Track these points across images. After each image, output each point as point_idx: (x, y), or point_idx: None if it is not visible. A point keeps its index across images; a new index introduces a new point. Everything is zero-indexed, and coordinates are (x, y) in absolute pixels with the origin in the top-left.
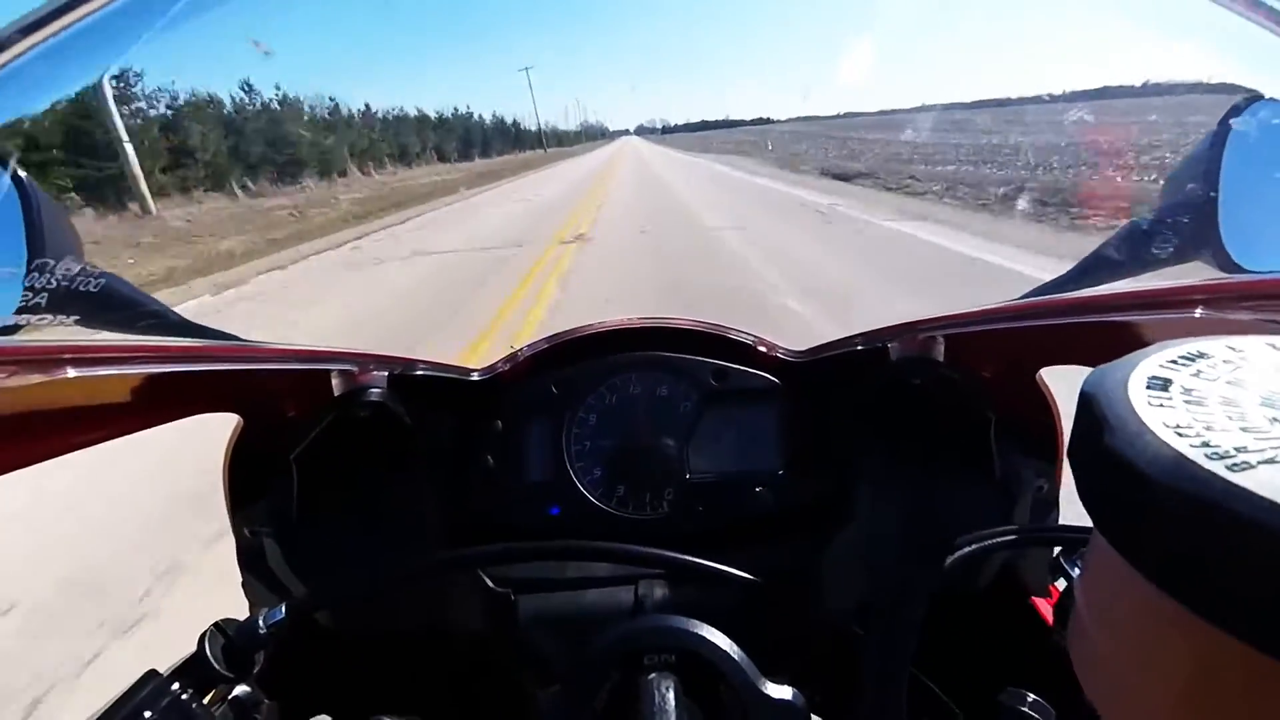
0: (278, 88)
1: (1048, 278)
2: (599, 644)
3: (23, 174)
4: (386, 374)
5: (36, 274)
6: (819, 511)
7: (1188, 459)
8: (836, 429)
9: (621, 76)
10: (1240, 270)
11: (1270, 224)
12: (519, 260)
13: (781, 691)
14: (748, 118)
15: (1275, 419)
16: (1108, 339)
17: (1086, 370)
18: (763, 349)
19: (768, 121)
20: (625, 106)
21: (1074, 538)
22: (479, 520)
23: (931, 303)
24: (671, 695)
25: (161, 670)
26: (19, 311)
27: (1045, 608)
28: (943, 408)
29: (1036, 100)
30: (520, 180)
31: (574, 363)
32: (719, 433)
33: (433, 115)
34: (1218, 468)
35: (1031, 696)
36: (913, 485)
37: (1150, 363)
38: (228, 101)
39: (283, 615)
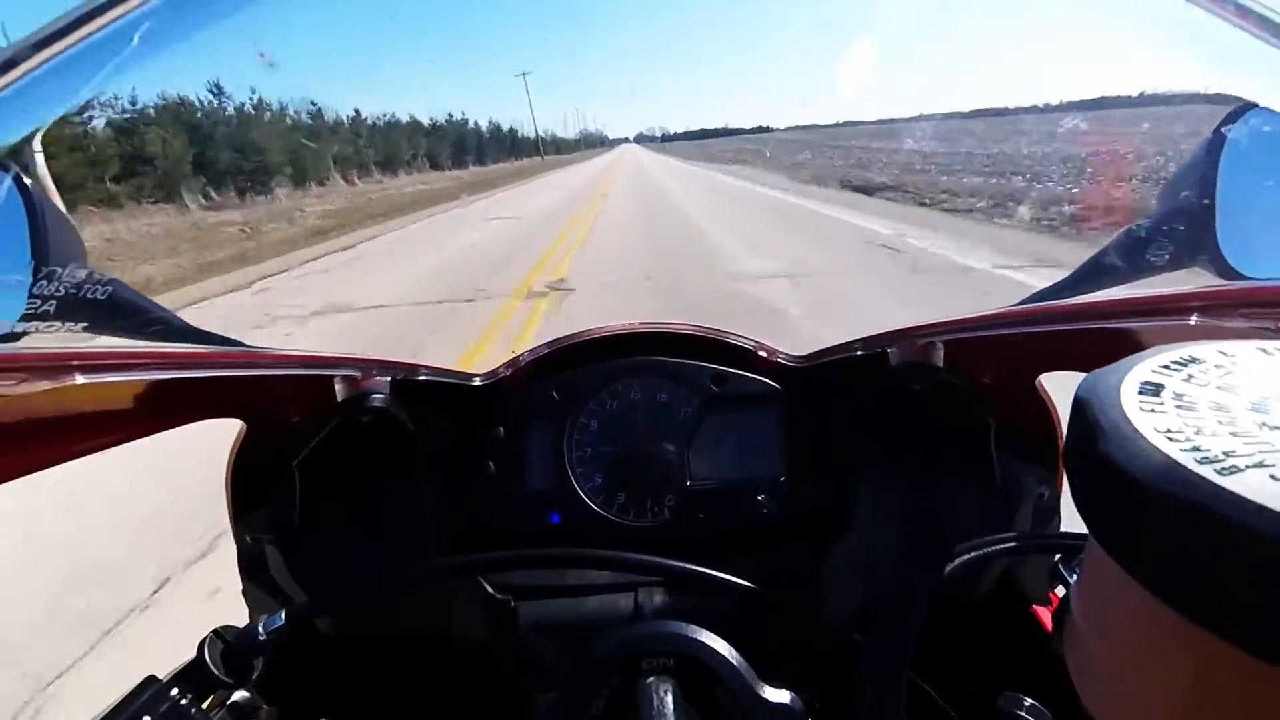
0: (253, 90)
1: None
2: (598, 649)
3: (28, 182)
4: (389, 379)
5: (44, 281)
6: (819, 518)
7: (1178, 464)
8: (836, 434)
9: (621, 84)
10: (1237, 276)
11: (1266, 230)
12: (459, 327)
13: (780, 696)
14: (747, 126)
15: (1264, 423)
16: (1106, 345)
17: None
18: (763, 354)
19: (767, 130)
20: (625, 114)
21: (1073, 544)
22: (480, 527)
23: None
24: (670, 699)
25: (161, 676)
26: (26, 318)
27: (1045, 615)
28: (943, 413)
29: (1035, 110)
30: (512, 190)
31: (575, 368)
32: (719, 438)
33: (426, 122)
34: (1207, 472)
35: (1029, 701)
36: (913, 491)
37: (1143, 368)
38: (198, 104)
39: (282, 622)
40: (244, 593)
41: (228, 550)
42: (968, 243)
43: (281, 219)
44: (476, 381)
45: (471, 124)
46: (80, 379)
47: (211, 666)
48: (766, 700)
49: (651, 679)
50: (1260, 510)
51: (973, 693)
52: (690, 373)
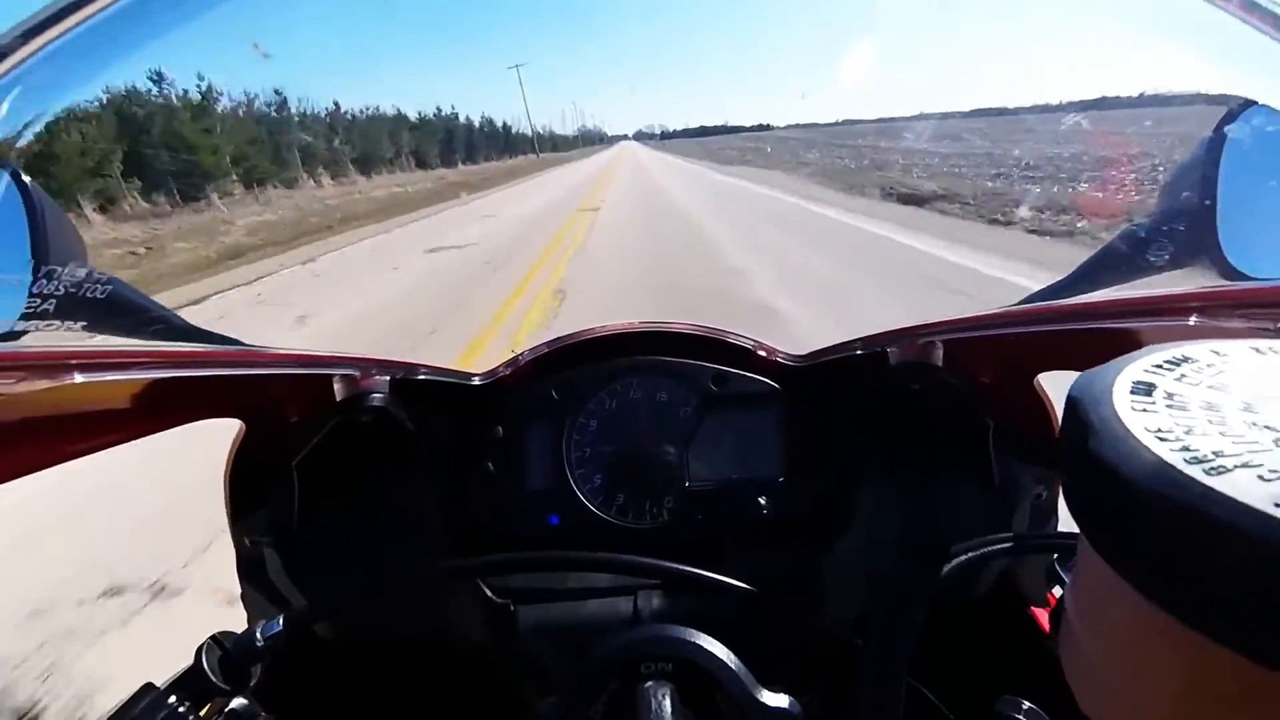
0: (200, 78)
1: None
2: (597, 654)
3: (27, 180)
4: (388, 379)
5: (43, 280)
6: (818, 518)
7: (1168, 464)
8: (836, 434)
9: (620, 80)
10: (1238, 276)
11: (1266, 230)
12: None
13: (779, 700)
14: (747, 123)
15: (1254, 423)
16: (1104, 345)
17: None
18: (762, 353)
19: (767, 128)
20: (623, 111)
21: (1070, 544)
22: (479, 527)
23: None
24: (668, 704)
25: (158, 683)
26: (25, 317)
27: (1043, 616)
28: (941, 413)
29: (1039, 108)
30: (502, 192)
31: (575, 367)
32: (719, 439)
33: (413, 116)
34: (1196, 472)
35: (1026, 704)
36: (911, 492)
37: (1135, 367)
38: (133, 96)
39: (280, 627)
40: (242, 597)
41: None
42: None
43: (199, 235)
44: (476, 381)
45: (463, 119)
46: (79, 378)
47: (209, 673)
48: (765, 705)
49: (650, 683)
50: (1247, 510)
51: (971, 695)
52: (690, 372)
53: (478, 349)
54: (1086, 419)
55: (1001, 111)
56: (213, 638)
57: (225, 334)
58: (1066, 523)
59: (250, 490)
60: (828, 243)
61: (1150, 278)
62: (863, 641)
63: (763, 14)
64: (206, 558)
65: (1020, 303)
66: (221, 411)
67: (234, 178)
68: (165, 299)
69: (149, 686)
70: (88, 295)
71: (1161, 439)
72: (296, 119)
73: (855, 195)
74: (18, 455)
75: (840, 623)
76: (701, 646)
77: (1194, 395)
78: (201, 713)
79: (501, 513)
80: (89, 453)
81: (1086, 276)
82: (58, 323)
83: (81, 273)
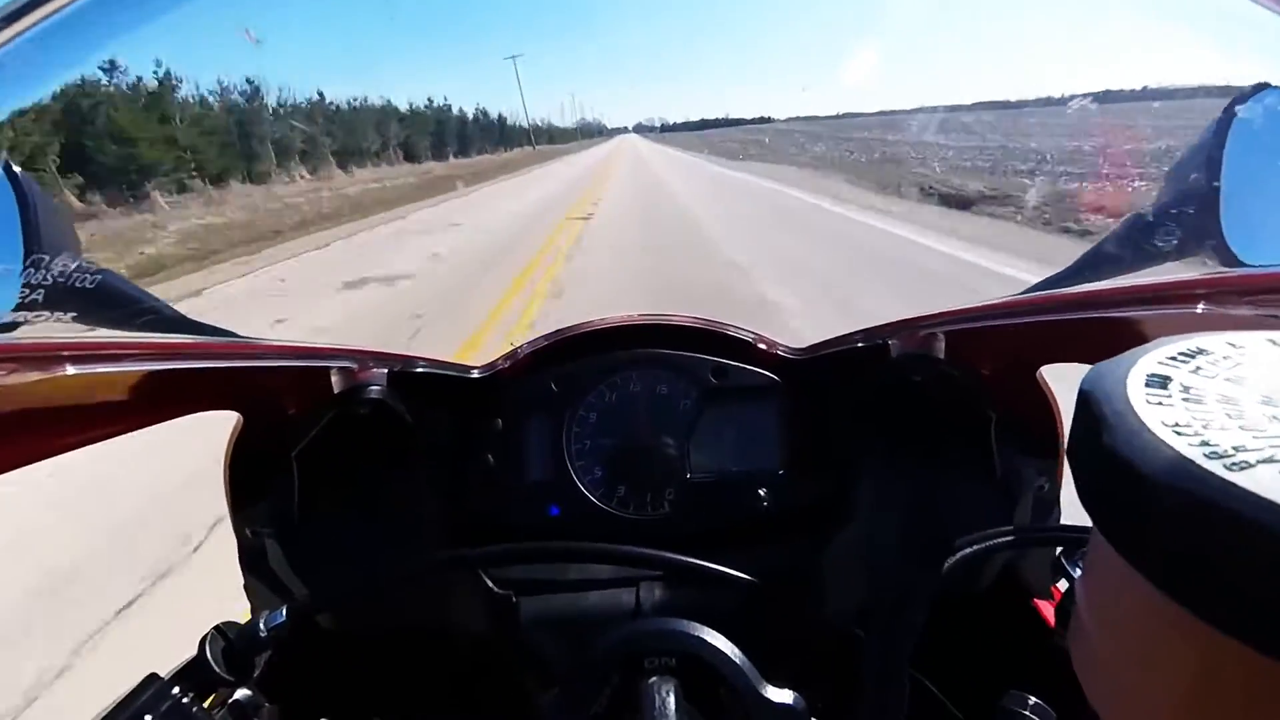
0: (159, 63)
1: None
2: (599, 646)
3: (18, 169)
4: (386, 371)
5: (33, 270)
6: (819, 511)
7: (1186, 458)
8: (836, 427)
9: (619, 73)
10: (1242, 264)
11: (1272, 217)
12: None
13: (782, 695)
14: (748, 116)
15: (1275, 417)
16: (1108, 335)
17: (1087, 368)
18: (763, 346)
19: (768, 120)
20: (623, 104)
21: (1073, 538)
22: (479, 520)
23: None
24: (672, 699)
25: (162, 674)
26: (16, 309)
27: (1047, 609)
28: (943, 405)
29: (1044, 102)
30: (484, 190)
31: (574, 359)
32: (719, 431)
33: (404, 107)
34: (1216, 467)
35: (1033, 700)
36: (913, 484)
37: (1149, 360)
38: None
39: (283, 618)
40: (245, 587)
41: None
42: None
43: (117, 243)
44: (474, 374)
45: (456, 110)
46: (72, 369)
47: (213, 664)
48: (769, 700)
49: (654, 679)
50: (1271, 506)
51: (975, 687)
52: (690, 365)
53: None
54: (1100, 413)
55: (1004, 104)
56: (216, 628)
57: (219, 326)
58: (1069, 516)
59: (250, 482)
60: (891, 272)
61: (1154, 266)
62: (865, 634)
63: (762, 5)
64: None
65: (1023, 292)
66: (219, 404)
67: (186, 173)
68: None
69: (153, 677)
70: (79, 286)
71: (1179, 433)
72: (272, 109)
73: (887, 196)
74: (12, 447)
75: (843, 615)
76: (705, 641)
77: (1210, 388)
78: (206, 703)
79: (502, 504)
80: (85, 444)
81: (1090, 265)
82: (48, 314)
83: (72, 263)
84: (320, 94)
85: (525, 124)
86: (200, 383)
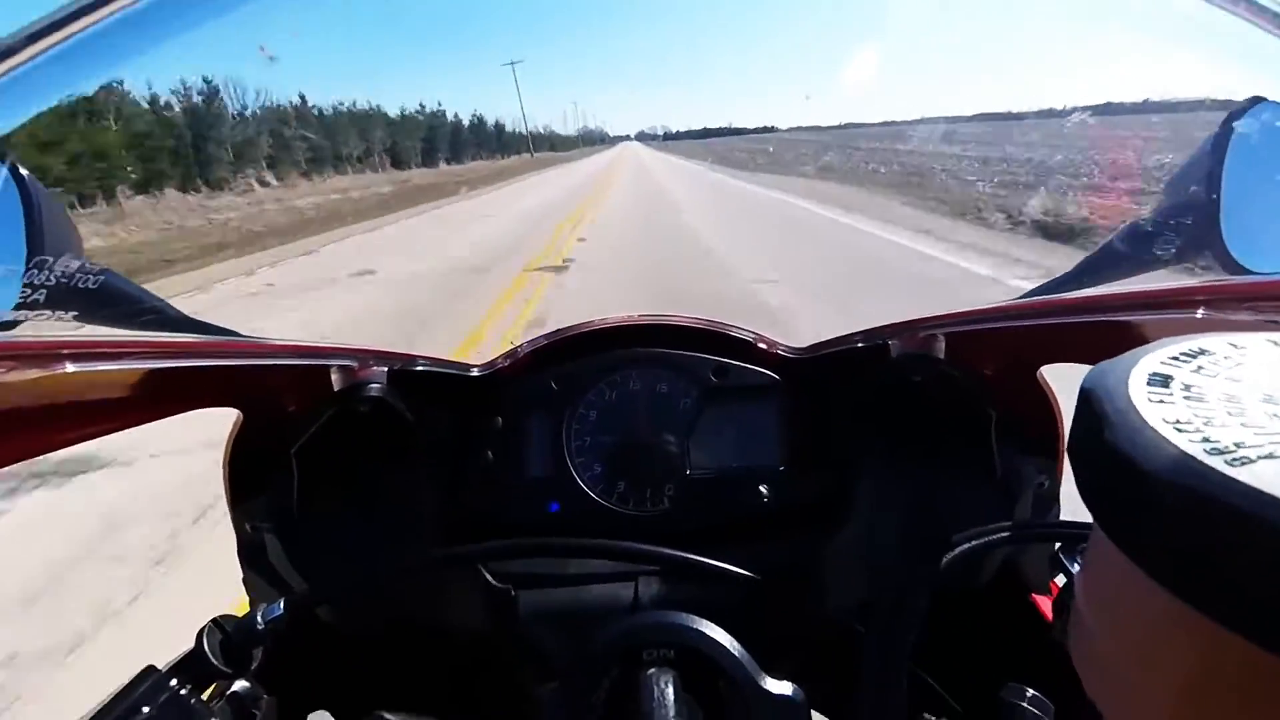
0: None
1: None
2: (599, 640)
3: (24, 171)
4: (386, 369)
5: (36, 270)
6: (819, 508)
7: (1187, 454)
8: (837, 426)
9: (622, 81)
10: (1242, 271)
11: (1272, 225)
12: None
13: (781, 687)
14: (750, 125)
15: (1276, 415)
16: (1108, 338)
17: (1087, 368)
18: (763, 345)
19: (771, 130)
20: (626, 112)
21: (1070, 533)
22: (479, 516)
23: None
24: (671, 690)
25: (160, 666)
26: (18, 307)
27: (1046, 604)
28: (943, 405)
29: (1048, 113)
30: (460, 204)
31: (574, 359)
32: (719, 429)
33: (394, 112)
34: (1217, 463)
35: (1031, 692)
36: (913, 482)
37: (1151, 359)
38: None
39: (281, 611)
40: (244, 581)
41: None
42: None
43: None
44: (474, 372)
45: (451, 115)
46: (72, 367)
47: (210, 656)
48: (768, 692)
49: (652, 670)
50: (1273, 502)
51: (973, 682)
52: (690, 364)
53: None
54: (1101, 411)
55: (1006, 116)
56: (214, 621)
57: (220, 325)
58: (1068, 513)
59: (250, 477)
60: None
61: (1154, 272)
62: (865, 629)
63: (766, 15)
64: None
65: (1024, 295)
66: (219, 401)
67: (94, 182)
68: None
69: (151, 669)
70: (80, 286)
71: (1180, 430)
72: (234, 113)
73: (959, 220)
74: (12, 441)
75: (842, 610)
76: (704, 633)
77: (1212, 387)
78: (203, 695)
79: (501, 501)
80: (85, 439)
81: (1090, 270)
82: (50, 313)
83: (75, 263)
84: (302, 97)
85: (524, 131)
86: (201, 380)
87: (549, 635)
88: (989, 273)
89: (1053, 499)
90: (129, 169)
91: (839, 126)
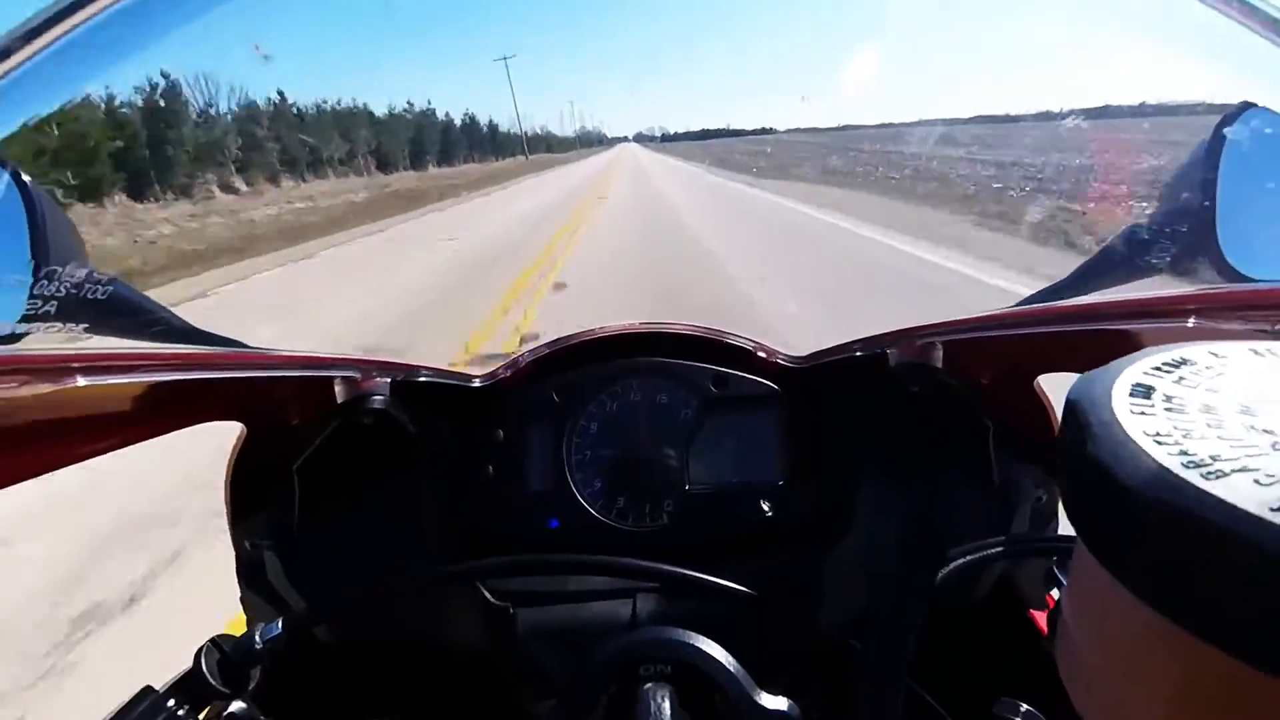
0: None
1: None
2: (596, 656)
3: (28, 179)
4: (389, 381)
5: (44, 281)
6: (818, 521)
7: (1165, 468)
8: (835, 436)
9: (620, 83)
10: (1238, 277)
11: (1266, 231)
12: None
13: (777, 703)
14: (749, 127)
15: (1252, 426)
16: (1104, 346)
17: None
18: (762, 355)
19: (769, 131)
20: (623, 113)
21: (1063, 547)
22: (479, 531)
23: None
24: (668, 706)
25: (157, 686)
26: (26, 319)
27: (1042, 618)
28: (941, 415)
29: (1045, 115)
30: (431, 217)
31: (575, 368)
32: (719, 441)
33: (381, 111)
34: (1192, 476)
35: (1025, 707)
36: (911, 493)
37: (1134, 370)
38: None
39: (279, 630)
40: (242, 600)
41: None
42: None
43: None
44: (476, 383)
45: (443, 115)
46: (82, 380)
47: (208, 676)
48: (764, 707)
49: (649, 685)
50: (1245, 515)
51: (969, 696)
52: (690, 374)
53: None
54: (1085, 422)
55: (1005, 118)
56: (212, 640)
57: (226, 336)
58: (1067, 525)
59: (251, 493)
60: None
61: (1149, 279)
62: (862, 644)
63: (763, 17)
64: None
65: (1020, 303)
66: (224, 414)
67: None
68: None
69: (148, 689)
70: (88, 296)
71: (1159, 443)
72: (198, 112)
73: (1036, 241)
74: (21, 459)
75: (839, 625)
76: (700, 649)
77: (1192, 398)
78: (200, 716)
79: (502, 516)
80: (91, 456)
81: (1086, 278)
82: (59, 325)
83: (82, 273)
84: (281, 94)
85: (523, 131)
86: (206, 394)
87: (547, 652)
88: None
89: (1051, 512)
90: (68, 175)
91: (837, 128)
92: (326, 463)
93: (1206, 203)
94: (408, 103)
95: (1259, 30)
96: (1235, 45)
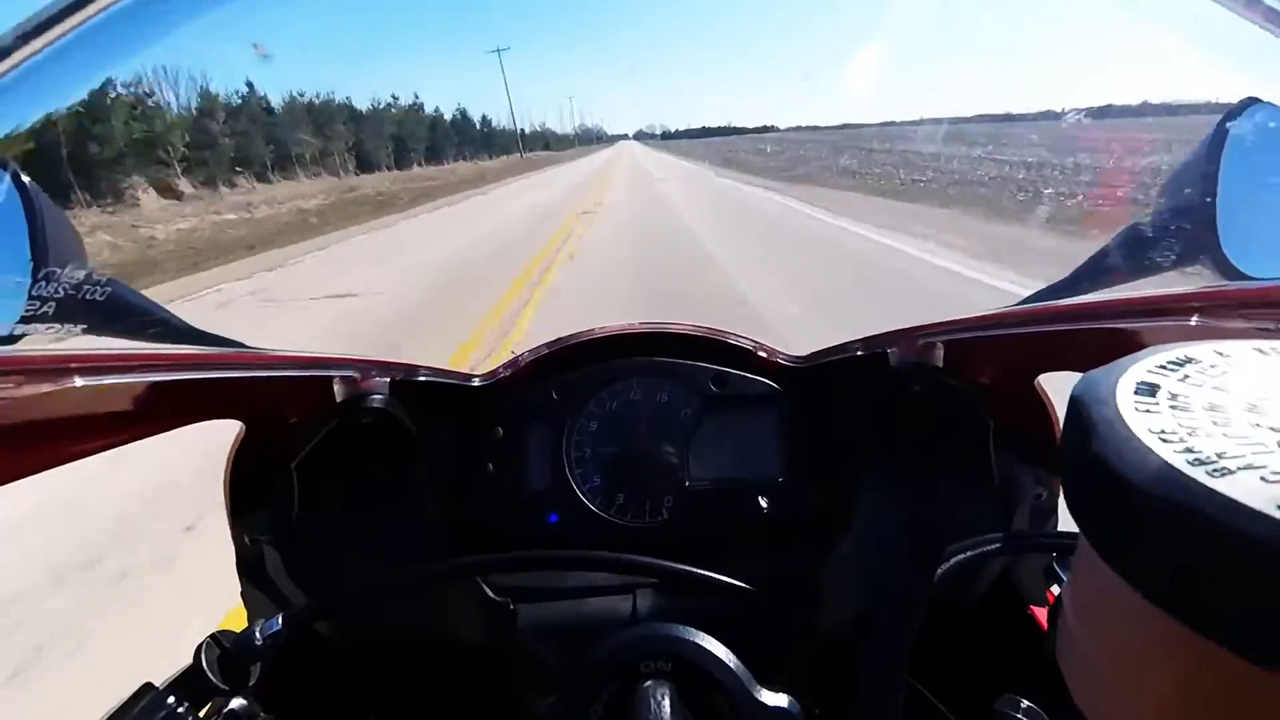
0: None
1: None
2: (596, 653)
3: (26, 180)
4: (388, 380)
5: (43, 282)
6: (818, 519)
7: (1170, 465)
8: (836, 435)
9: (621, 80)
10: (1239, 275)
11: (1268, 228)
12: None
13: (777, 700)
14: (749, 125)
15: (1258, 424)
16: (1105, 345)
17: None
18: (763, 354)
19: (770, 129)
20: (624, 110)
21: (1064, 544)
22: (479, 528)
23: None
24: (667, 703)
25: (157, 683)
26: (25, 320)
27: (1042, 615)
28: (941, 414)
29: (1045, 115)
30: (390, 230)
31: (575, 368)
32: (719, 439)
33: (364, 107)
34: (1198, 474)
35: (1025, 704)
36: (911, 493)
37: (1139, 368)
38: None
39: (279, 626)
40: (242, 595)
41: None
42: None
43: None
44: (476, 382)
45: (432, 109)
46: (79, 381)
47: (208, 673)
48: (764, 704)
49: (649, 683)
50: (1250, 513)
51: (970, 694)
52: (690, 373)
53: None
54: (1089, 420)
55: (1008, 117)
56: (212, 637)
57: (224, 335)
58: (1066, 523)
59: (250, 490)
60: None
61: (1151, 277)
62: (862, 641)
63: (764, 14)
64: None
65: (1021, 303)
66: (222, 413)
67: None
68: None
69: (148, 686)
70: (87, 297)
71: (1165, 440)
72: (132, 105)
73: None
74: (19, 457)
75: (839, 622)
76: (701, 645)
77: (1198, 396)
78: (201, 713)
79: (501, 513)
80: (90, 454)
81: (1087, 276)
82: (57, 325)
83: (80, 274)
84: (250, 85)
85: (515, 128)
86: (204, 392)
87: (547, 648)
88: None
89: (1051, 510)
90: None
91: (839, 126)
92: (326, 461)
93: (1210, 199)
94: (393, 95)
95: (1260, 23)
96: (1235, 39)
